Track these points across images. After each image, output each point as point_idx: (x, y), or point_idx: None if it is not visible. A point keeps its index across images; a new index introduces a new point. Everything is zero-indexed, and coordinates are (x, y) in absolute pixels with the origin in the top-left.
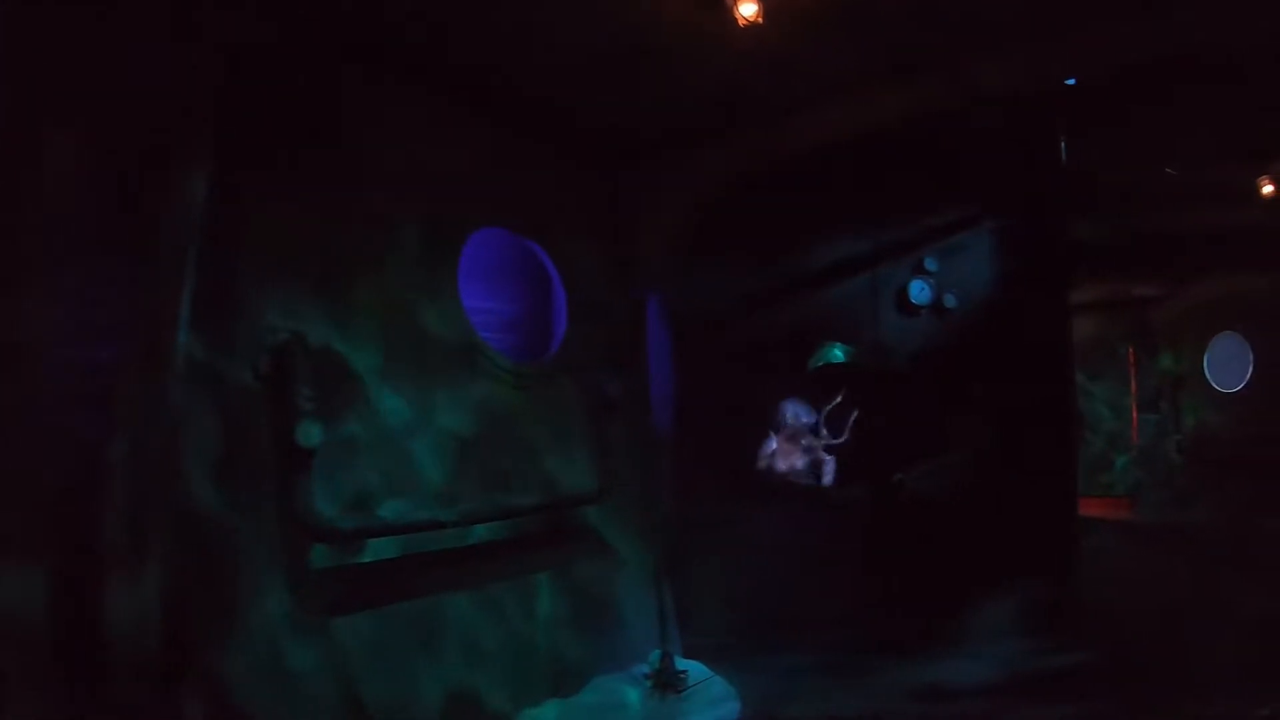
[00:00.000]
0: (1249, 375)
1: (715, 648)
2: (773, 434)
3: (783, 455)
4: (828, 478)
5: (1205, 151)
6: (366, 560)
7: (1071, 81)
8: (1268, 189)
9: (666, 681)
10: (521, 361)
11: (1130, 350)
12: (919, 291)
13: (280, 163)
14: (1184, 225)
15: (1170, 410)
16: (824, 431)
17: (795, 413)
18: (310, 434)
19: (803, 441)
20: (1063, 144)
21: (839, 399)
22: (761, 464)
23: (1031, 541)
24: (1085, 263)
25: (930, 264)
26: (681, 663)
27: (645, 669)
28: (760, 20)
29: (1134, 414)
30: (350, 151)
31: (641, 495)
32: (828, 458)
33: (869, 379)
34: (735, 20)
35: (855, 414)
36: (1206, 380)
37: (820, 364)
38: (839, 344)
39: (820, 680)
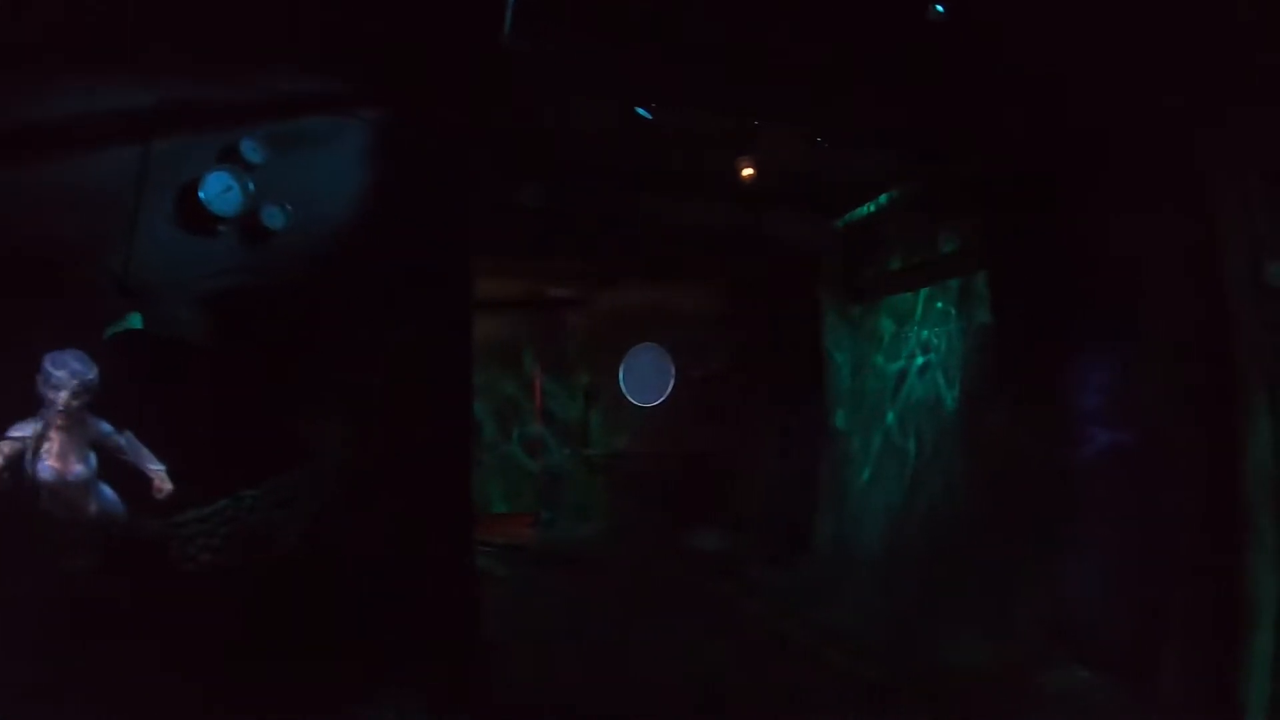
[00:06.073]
0: (669, 389)
1: None
2: (42, 412)
3: (56, 451)
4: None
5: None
6: None
7: None
8: (748, 171)
9: None
10: None
11: (539, 357)
12: (221, 192)
13: None
14: (623, 209)
15: (580, 424)
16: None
17: (73, 375)
18: None
19: (93, 430)
20: (510, 19)
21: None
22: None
23: (415, 606)
24: (501, 239)
25: (251, 151)
26: None
27: None
28: None
29: (539, 427)
30: None
31: None
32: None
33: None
34: None
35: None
36: (622, 393)
37: (118, 332)
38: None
39: None
